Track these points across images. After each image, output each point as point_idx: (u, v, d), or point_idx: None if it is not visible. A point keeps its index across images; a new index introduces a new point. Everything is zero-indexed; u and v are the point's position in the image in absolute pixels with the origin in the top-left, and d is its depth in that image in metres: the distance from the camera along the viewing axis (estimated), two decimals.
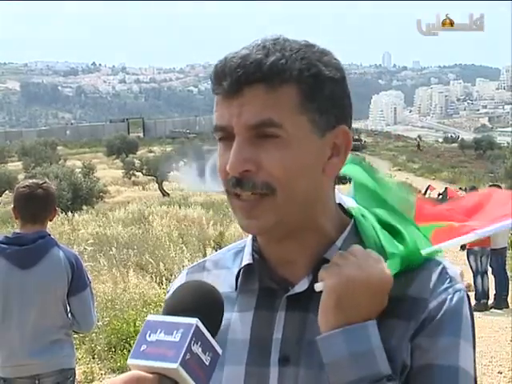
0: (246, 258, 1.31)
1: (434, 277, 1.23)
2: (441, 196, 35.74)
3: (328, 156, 1.23)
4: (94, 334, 8.05)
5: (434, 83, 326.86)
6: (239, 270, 1.32)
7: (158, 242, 14.45)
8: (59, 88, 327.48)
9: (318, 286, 1.21)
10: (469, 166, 61.87)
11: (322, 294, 1.20)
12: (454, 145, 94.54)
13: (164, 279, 11.18)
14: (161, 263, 12.22)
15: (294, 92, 1.19)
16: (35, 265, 3.93)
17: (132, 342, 8.00)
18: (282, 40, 1.22)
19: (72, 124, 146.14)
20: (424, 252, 1.27)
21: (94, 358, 8.08)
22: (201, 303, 1.11)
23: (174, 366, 1.02)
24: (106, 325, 8.43)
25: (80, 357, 7.73)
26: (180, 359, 1.02)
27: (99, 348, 8.18)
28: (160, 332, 1.06)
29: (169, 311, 1.10)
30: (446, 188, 39.06)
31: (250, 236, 1.32)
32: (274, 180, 1.18)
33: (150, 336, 1.06)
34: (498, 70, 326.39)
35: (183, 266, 12.12)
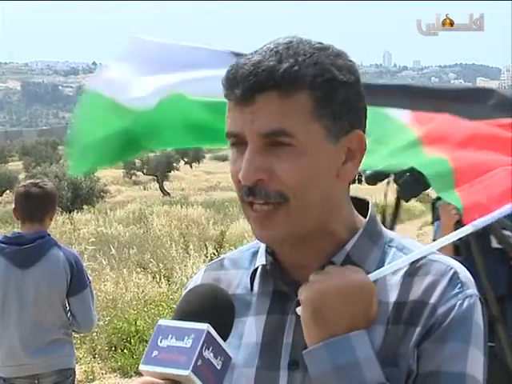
0: (260, 260, 1.31)
1: (445, 282, 1.21)
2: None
3: (342, 161, 1.22)
4: (94, 334, 8.04)
5: (434, 82, 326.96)
6: (253, 272, 1.31)
7: (158, 241, 14.46)
8: (60, 87, 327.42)
9: (299, 310, 1.20)
10: None
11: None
12: None
13: (165, 279, 11.17)
14: (161, 263, 12.22)
15: (307, 99, 1.17)
16: (34, 265, 3.93)
17: (133, 341, 8.00)
18: (295, 43, 1.20)
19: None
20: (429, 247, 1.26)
21: (94, 358, 8.08)
22: (211, 307, 1.11)
23: (186, 372, 1.02)
24: (106, 324, 8.43)
25: (81, 356, 7.73)
26: (192, 366, 1.02)
27: (100, 347, 8.17)
28: (171, 337, 1.06)
29: (180, 316, 1.10)
30: None
31: None
32: (286, 188, 1.17)
33: (161, 342, 1.06)
34: (498, 69, 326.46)
35: (184, 266, 12.12)
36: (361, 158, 1.24)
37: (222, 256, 1.43)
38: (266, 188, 1.18)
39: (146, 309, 8.98)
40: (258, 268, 1.31)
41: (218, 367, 1.05)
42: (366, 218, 1.29)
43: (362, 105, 1.24)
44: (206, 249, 13.00)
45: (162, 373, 1.04)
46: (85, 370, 7.66)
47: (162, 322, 1.09)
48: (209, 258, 11.63)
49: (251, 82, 1.16)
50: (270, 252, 1.30)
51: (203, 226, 17.64)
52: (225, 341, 1.08)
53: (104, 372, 7.84)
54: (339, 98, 1.19)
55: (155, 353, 1.06)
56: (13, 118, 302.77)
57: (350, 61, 1.23)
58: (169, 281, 11.03)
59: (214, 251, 12.04)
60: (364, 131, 1.24)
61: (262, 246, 1.32)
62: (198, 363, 1.03)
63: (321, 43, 1.22)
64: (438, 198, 4.06)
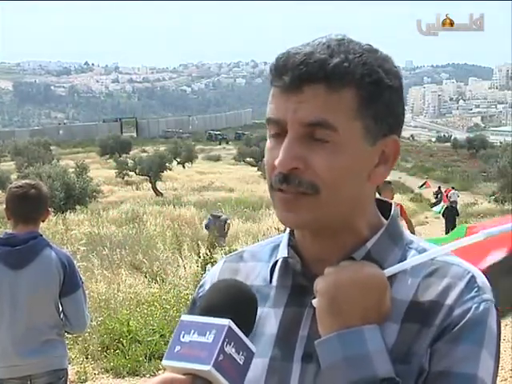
0: (282, 252, 1.32)
1: (462, 285, 1.22)
2: (437, 196, 36.07)
3: (375, 164, 1.24)
4: (87, 334, 8.04)
5: (426, 83, 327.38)
6: (274, 264, 1.33)
7: (151, 241, 14.48)
8: (52, 88, 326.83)
9: (314, 302, 1.21)
10: (462, 166, 62.24)
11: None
12: (446, 144, 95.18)
13: (157, 279, 11.17)
14: (154, 263, 12.22)
15: (353, 96, 1.19)
16: (27, 266, 3.92)
17: (125, 341, 7.99)
18: (346, 41, 1.22)
19: (65, 124, 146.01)
20: (432, 252, 1.26)
21: (87, 358, 8.07)
22: (234, 302, 1.12)
23: (207, 367, 1.03)
24: (99, 325, 8.42)
25: (73, 357, 7.72)
26: (213, 361, 1.03)
27: (92, 348, 8.16)
28: (193, 333, 1.06)
29: (203, 311, 1.11)
30: (439, 187, 39.34)
31: (288, 230, 1.34)
32: (319, 181, 1.19)
33: (183, 337, 1.07)
34: (490, 69, 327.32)
35: (177, 266, 12.12)
36: (393, 163, 1.26)
37: (241, 249, 1.46)
38: (300, 177, 1.19)
39: (138, 309, 8.98)
40: (277, 261, 1.32)
41: (241, 362, 1.06)
42: (387, 219, 1.31)
43: (402, 111, 1.27)
44: (199, 249, 13.00)
45: (184, 368, 1.05)
46: (77, 371, 7.65)
47: (184, 317, 1.10)
48: (202, 258, 11.63)
49: (302, 72, 1.18)
50: (292, 245, 1.31)
51: (196, 226, 17.67)
52: (248, 335, 1.08)
53: (96, 372, 7.83)
54: (383, 100, 1.21)
55: (177, 348, 1.06)
56: (5, 118, 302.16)
57: (395, 66, 1.26)
58: (161, 281, 11.03)
59: (207, 251, 12.03)
60: (399, 136, 1.26)
61: (284, 241, 1.33)
62: (220, 358, 1.03)
63: (369, 45, 1.25)
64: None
